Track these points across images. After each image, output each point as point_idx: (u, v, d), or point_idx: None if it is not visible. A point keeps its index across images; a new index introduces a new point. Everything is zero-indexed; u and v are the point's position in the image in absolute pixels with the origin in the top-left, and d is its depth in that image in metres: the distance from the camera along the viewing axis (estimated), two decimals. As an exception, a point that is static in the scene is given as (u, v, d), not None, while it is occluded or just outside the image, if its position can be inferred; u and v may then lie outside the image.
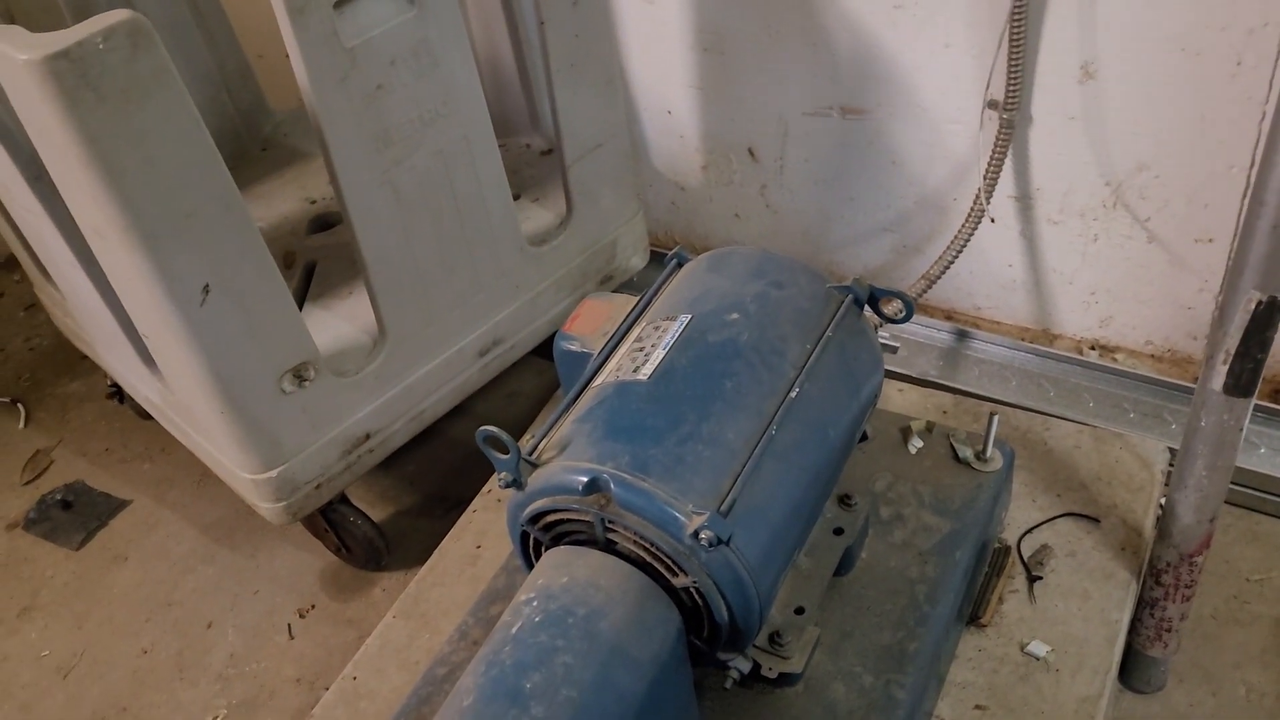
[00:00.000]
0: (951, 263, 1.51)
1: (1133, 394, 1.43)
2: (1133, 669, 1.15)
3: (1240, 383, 0.94)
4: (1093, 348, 1.58)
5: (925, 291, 1.55)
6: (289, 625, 1.42)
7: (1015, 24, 1.28)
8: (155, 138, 0.95)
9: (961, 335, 1.56)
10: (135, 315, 1.15)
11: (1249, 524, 1.30)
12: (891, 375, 1.47)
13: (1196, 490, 1.01)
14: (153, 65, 0.92)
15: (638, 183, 1.61)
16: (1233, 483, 1.29)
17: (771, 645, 0.90)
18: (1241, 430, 0.97)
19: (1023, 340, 1.56)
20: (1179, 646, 1.13)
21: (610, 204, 1.51)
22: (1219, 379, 0.94)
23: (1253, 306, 0.90)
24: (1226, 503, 1.31)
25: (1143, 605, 1.10)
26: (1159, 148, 1.33)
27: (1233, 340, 0.92)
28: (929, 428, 1.15)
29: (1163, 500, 1.09)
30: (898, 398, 1.36)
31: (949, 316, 1.65)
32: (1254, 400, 0.95)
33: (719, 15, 1.53)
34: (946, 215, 1.54)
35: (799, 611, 0.92)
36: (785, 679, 0.90)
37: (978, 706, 1.01)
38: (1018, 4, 1.26)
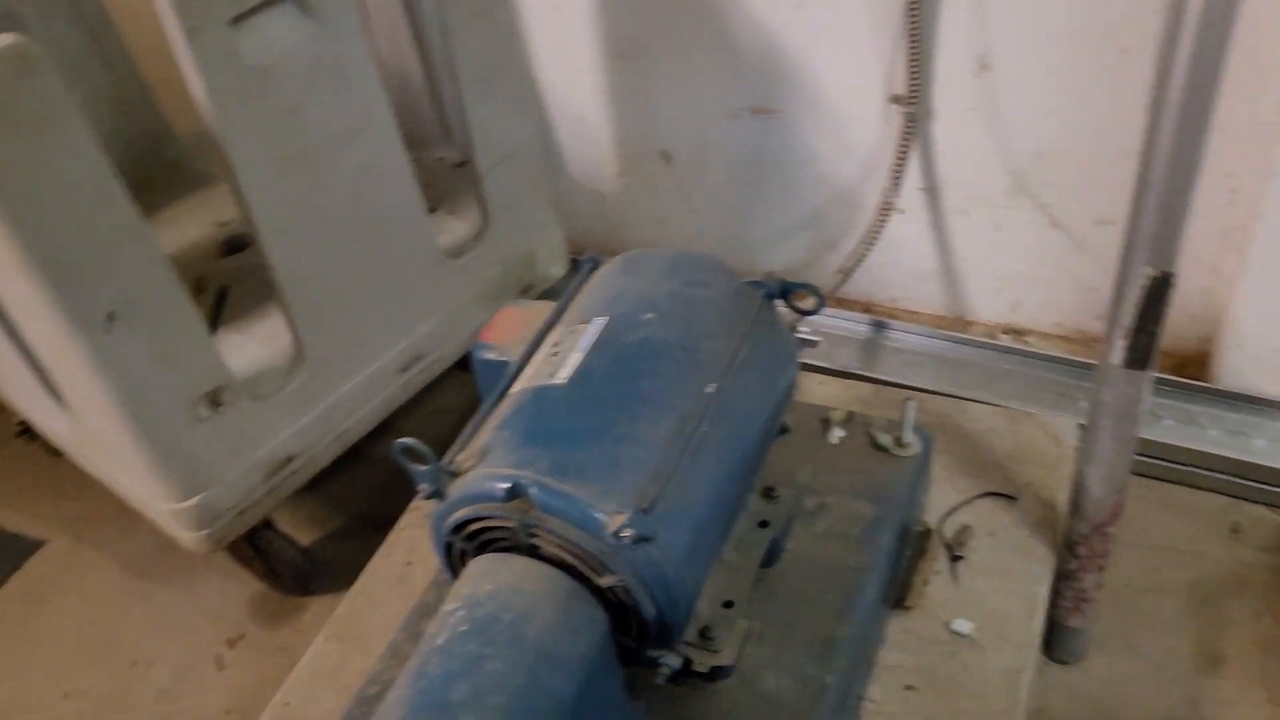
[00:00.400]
0: (864, 256, 1.54)
1: (1045, 374, 1.47)
2: (1055, 640, 1.18)
3: (1138, 356, 0.97)
4: (1005, 332, 1.62)
5: (841, 285, 1.58)
6: (218, 657, 1.39)
7: (912, 19, 1.32)
8: (50, 166, 0.92)
9: (879, 326, 1.59)
10: (38, 348, 1.12)
11: (1160, 494, 1.35)
12: (812, 368, 1.49)
13: (1104, 463, 1.04)
14: (44, 92, 0.90)
15: (555, 191, 1.61)
16: (1142, 454, 1.34)
17: (702, 640, 0.90)
18: (1142, 403, 1.00)
19: (938, 328, 1.59)
20: (1098, 616, 1.16)
21: (527, 214, 1.51)
22: (1118, 354, 0.97)
23: (1145, 282, 0.93)
24: (1138, 474, 1.35)
25: (1060, 578, 1.13)
26: (1056, 135, 1.38)
27: (1129, 316, 0.95)
28: (849, 417, 1.17)
29: (1075, 475, 1.12)
30: (819, 390, 1.37)
31: (867, 309, 1.68)
32: (1153, 373, 0.98)
33: (628, 22, 1.55)
34: (859, 210, 1.57)
35: (728, 605, 0.93)
36: (717, 673, 0.90)
37: (907, 687, 1.03)
38: (913, 0, 1.29)
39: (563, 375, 0.87)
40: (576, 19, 1.57)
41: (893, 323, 1.59)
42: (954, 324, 1.64)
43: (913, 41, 1.34)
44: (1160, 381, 1.38)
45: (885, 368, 1.53)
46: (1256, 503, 1.31)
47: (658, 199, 1.73)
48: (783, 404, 0.98)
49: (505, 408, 0.88)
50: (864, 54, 1.40)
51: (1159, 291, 0.93)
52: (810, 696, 0.93)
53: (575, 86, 1.66)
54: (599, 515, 0.77)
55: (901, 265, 1.62)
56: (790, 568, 1.04)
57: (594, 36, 1.58)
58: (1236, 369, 1.35)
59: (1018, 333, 1.61)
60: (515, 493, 0.79)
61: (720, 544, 0.91)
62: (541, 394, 0.87)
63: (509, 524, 0.81)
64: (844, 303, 1.69)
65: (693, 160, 1.65)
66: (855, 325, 1.60)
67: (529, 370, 0.92)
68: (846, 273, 1.55)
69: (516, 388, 0.91)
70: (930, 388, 1.47)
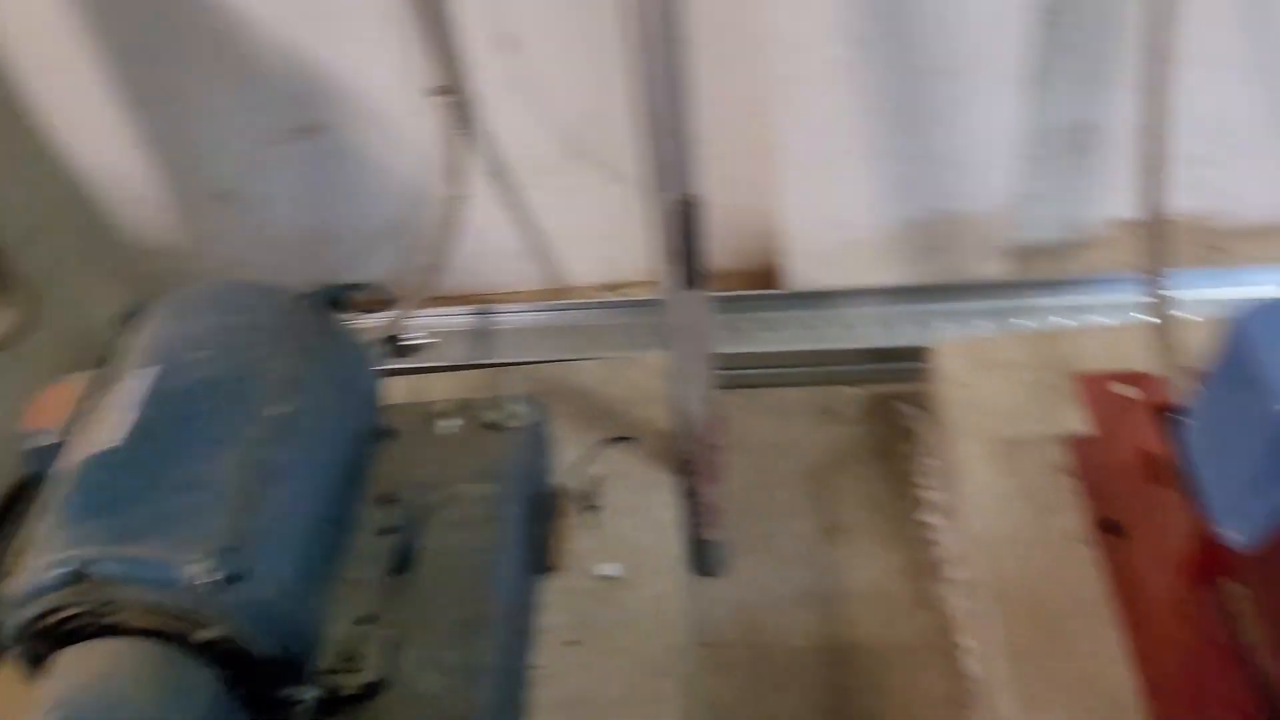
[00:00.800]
0: (449, 250, 1.54)
1: (643, 319, 1.54)
2: (701, 557, 1.25)
3: (689, 277, 1.04)
4: (606, 289, 1.69)
5: (434, 282, 1.57)
6: None
7: (428, 9, 1.33)
8: None
9: (485, 313, 1.60)
10: None
11: (760, 399, 1.46)
12: (429, 369, 1.48)
13: (692, 382, 1.11)
14: None
15: (115, 255, 1.49)
16: (735, 368, 1.45)
17: (344, 663, 0.87)
18: (707, 319, 1.08)
19: (544, 301, 1.63)
20: (731, 524, 1.24)
21: (81, 285, 1.39)
22: (673, 278, 1.04)
23: (673, 208, 1.00)
24: (737, 387, 1.46)
25: (688, 498, 1.20)
26: (592, 95, 1.45)
27: (671, 240, 1.02)
28: (458, 406, 1.17)
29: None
30: (438, 387, 1.37)
31: (472, 299, 1.69)
32: (706, 290, 1.05)
33: (143, 65, 1.44)
34: (432, 206, 1.57)
35: (366, 620, 0.90)
36: (370, 690, 0.88)
37: (569, 643, 1.06)
38: (420, -10, 1.30)
39: (116, 437, 0.81)
40: (84, 73, 1.44)
41: (498, 307, 1.61)
42: (558, 294, 1.68)
43: (436, 31, 1.35)
44: (738, 299, 1.50)
45: (498, 351, 1.54)
46: (840, 384, 1.46)
47: (230, 240, 1.64)
48: (365, 408, 0.96)
49: (59, 486, 0.80)
50: (392, 52, 1.40)
51: (687, 214, 1.00)
52: (472, 683, 0.93)
53: (108, 143, 1.53)
54: (177, 569, 0.72)
55: (493, 250, 1.64)
56: (430, 566, 1.02)
57: (112, 87, 1.47)
58: (799, 270, 1.49)
59: (616, 287, 1.68)
60: (78, 575, 0.73)
61: (332, 563, 0.88)
62: (95, 462, 0.80)
63: (83, 609, 0.74)
64: (450, 299, 1.68)
65: (255, 194, 1.58)
66: (463, 318, 1.61)
67: (79, 441, 0.84)
68: (435, 269, 1.54)
69: (67, 463, 0.83)
70: (546, 358, 1.51)
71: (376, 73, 1.43)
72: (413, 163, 1.53)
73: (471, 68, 1.42)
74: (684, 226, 1.01)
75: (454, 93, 1.42)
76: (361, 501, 0.97)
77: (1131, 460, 0.99)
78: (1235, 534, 0.75)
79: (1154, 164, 1.24)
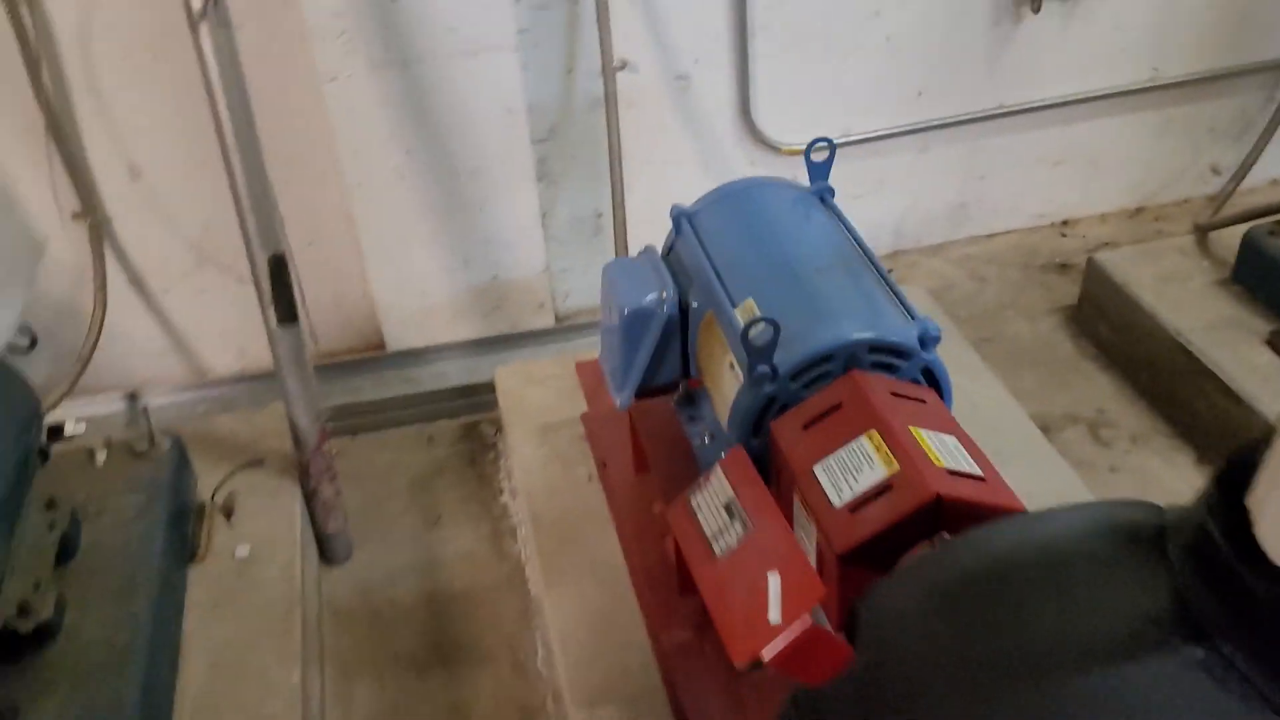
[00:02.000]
0: (92, 354, 1.78)
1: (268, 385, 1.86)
2: (325, 548, 1.58)
3: (285, 314, 1.40)
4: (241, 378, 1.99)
5: (80, 375, 1.81)
6: None
7: (57, 134, 1.63)
8: None
9: (134, 399, 1.86)
10: None
11: (378, 439, 1.82)
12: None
13: (298, 399, 1.46)
14: None
15: None
16: (351, 416, 1.81)
17: (20, 614, 1.13)
18: (302, 347, 1.44)
19: (190, 387, 1.91)
20: (347, 520, 1.58)
21: None
22: (272, 318, 1.40)
23: (268, 263, 1.37)
24: (356, 431, 1.82)
25: (309, 498, 1.53)
26: (208, 211, 1.79)
27: (268, 289, 1.38)
28: (108, 443, 1.45)
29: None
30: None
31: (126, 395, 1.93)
32: (300, 324, 1.42)
33: None
34: (81, 315, 1.83)
35: (38, 586, 1.17)
36: (43, 632, 1.14)
37: (214, 606, 1.35)
38: (50, 114, 1.60)
39: None
40: None
41: (146, 391, 1.87)
42: (202, 382, 1.96)
43: (64, 155, 1.65)
44: (351, 363, 1.87)
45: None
46: (440, 419, 1.86)
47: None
48: (25, 433, 1.24)
49: None
50: (29, 182, 1.68)
51: (277, 267, 1.38)
52: (123, 631, 1.20)
53: None
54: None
55: (141, 349, 1.90)
56: (93, 553, 1.30)
57: None
58: (396, 335, 1.89)
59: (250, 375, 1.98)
60: None
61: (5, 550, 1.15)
62: None
63: None
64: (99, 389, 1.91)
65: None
66: (115, 405, 1.85)
67: None
68: (84, 361, 1.79)
69: None
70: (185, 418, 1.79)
71: (20, 194, 1.70)
72: (60, 279, 1.78)
73: (103, 195, 1.73)
74: (276, 276, 1.38)
75: (89, 215, 1.72)
76: (30, 506, 1.23)
77: (609, 414, 1.45)
78: (619, 398, 1.20)
79: (620, 237, 1.79)
